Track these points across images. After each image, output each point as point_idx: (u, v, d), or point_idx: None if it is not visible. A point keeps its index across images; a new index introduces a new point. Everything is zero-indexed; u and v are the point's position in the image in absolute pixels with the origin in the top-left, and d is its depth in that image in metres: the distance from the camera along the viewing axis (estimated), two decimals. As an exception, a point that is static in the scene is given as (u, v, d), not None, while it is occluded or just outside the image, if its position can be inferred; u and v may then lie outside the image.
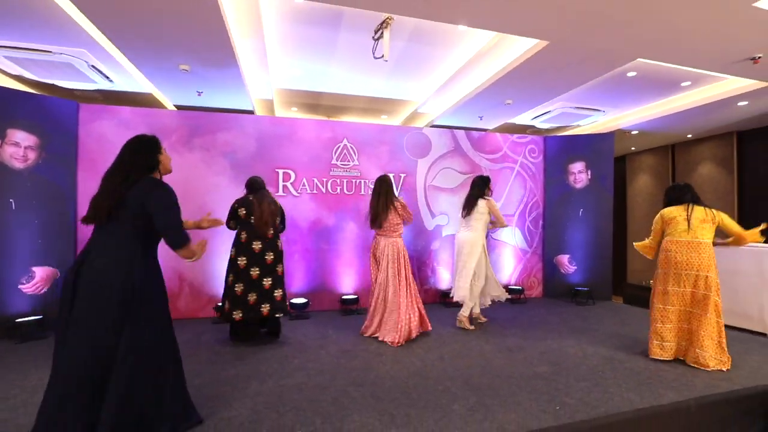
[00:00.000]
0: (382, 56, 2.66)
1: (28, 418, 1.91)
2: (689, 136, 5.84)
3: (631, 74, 3.63)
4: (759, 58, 3.03)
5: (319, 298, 4.41)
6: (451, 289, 4.70)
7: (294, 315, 4.06)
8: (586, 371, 2.53)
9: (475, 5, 2.42)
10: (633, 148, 6.84)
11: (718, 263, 3.11)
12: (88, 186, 3.87)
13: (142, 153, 1.73)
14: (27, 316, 3.41)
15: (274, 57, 3.48)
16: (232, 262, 3.04)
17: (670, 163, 6.41)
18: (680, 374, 2.48)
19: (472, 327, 3.64)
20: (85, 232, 3.91)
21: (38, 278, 3.58)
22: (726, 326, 3.51)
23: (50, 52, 3.09)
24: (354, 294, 4.47)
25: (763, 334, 3.77)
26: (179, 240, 1.69)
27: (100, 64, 3.36)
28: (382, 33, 2.60)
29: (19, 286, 3.50)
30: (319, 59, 3.62)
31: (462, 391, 2.23)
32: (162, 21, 2.62)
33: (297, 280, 4.38)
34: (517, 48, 3.23)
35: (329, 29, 3.01)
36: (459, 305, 4.56)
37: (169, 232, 1.67)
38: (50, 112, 3.67)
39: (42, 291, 3.60)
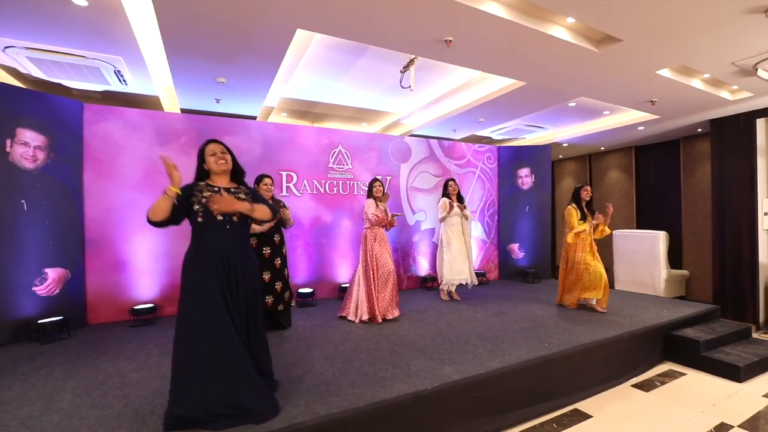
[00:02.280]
0: (409, 87, 3.32)
1: (144, 390, 2.23)
2: (602, 148, 7.46)
3: (571, 104, 4.81)
4: (655, 101, 4.43)
5: (321, 288, 4.92)
6: (429, 275, 5.57)
7: (302, 303, 4.52)
8: (554, 323, 3.52)
9: (474, 55, 3.21)
10: (560, 156, 8.39)
11: (624, 246, 4.63)
12: (94, 186, 3.90)
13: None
14: (41, 318, 3.41)
15: (297, 73, 3.90)
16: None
17: (588, 169, 8.05)
18: (614, 320, 3.59)
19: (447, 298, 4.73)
20: (94, 232, 3.91)
21: (51, 279, 3.56)
22: (629, 292, 5.04)
23: (84, 57, 3.15)
24: (350, 283, 5.05)
25: (655, 296, 5.22)
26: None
27: (127, 69, 3.46)
28: (408, 68, 3.26)
29: (33, 288, 3.46)
30: (332, 77, 4.13)
31: (479, 341, 3.04)
32: (230, 42, 2.80)
33: (301, 271, 4.83)
34: (497, 83, 4.16)
35: (353, 56, 3.57)
36: (436, 288, 5.50)
37: None
38: (57, 112, 3.62)
39: (55, 292, 3.58)
